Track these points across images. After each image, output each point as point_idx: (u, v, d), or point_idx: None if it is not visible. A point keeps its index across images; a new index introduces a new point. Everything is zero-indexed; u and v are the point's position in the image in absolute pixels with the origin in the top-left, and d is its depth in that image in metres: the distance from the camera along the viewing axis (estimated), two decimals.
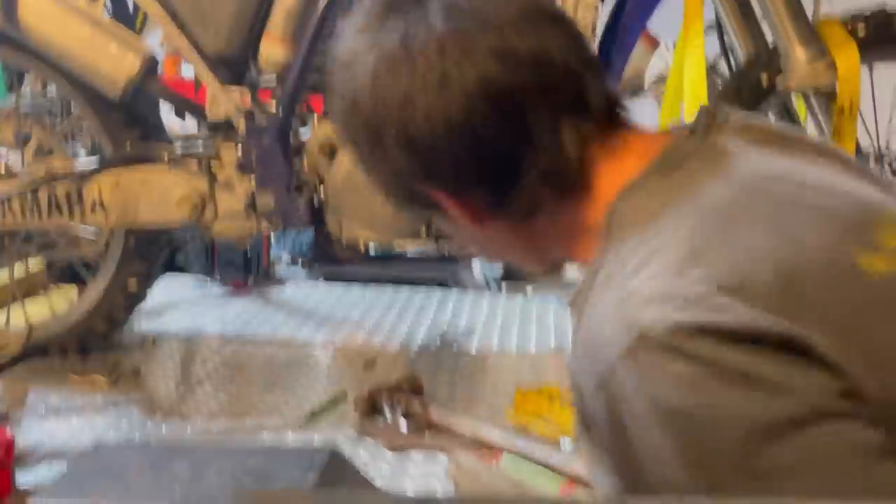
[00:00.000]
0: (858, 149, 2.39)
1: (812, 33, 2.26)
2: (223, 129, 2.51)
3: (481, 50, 0.97)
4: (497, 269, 4.77)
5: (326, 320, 3.29)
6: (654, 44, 3.32)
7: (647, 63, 3.23)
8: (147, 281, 2.87)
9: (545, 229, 1.07)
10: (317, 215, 2.53)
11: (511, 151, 1.00)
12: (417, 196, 1.08)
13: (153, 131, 2.73)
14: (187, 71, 4.12)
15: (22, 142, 2.74)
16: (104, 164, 2.63)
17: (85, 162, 2.78)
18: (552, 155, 1.00)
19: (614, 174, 1.01)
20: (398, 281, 3.84)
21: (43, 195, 2.62)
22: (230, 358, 2.89)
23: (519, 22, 0.99)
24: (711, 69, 2.97)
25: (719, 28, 2.56)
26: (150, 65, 2.48)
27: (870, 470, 0.80)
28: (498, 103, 0.98)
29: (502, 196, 1.03)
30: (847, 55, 2.25)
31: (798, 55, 2.25)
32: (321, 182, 2.49)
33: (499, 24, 0.99)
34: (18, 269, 2.99)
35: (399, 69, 1.00)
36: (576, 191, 1.03)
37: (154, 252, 2.83)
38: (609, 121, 1.04)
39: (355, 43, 1.04)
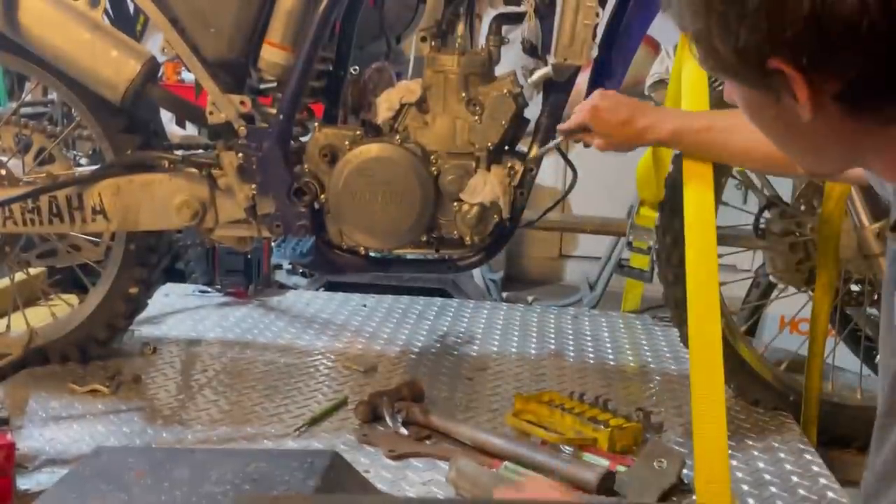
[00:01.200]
0: None
1: None
2: (224, 134, 2.51)
3: None
4: (498, 274, 4.79)
5: (327, 327, 3.29)
6: (656, 49, 3.32)
7: (648, 68, 3.23)
8: (148, 288, 2.87)
9: (886, 138, 0.97)
10: (317, 222, 2.53)
11: None
12: (761, 70, 0.95)
13: (154, 137, 2.73)
14: (188, 76, 4.14)
15: (23, 148, 2.75)
16: (105, 171, 2.63)
17: (86, 168, 2.78)
18: None
19: None
20: (398, 289, 3.85)
21: (44, 202, 2.62)
22: (230, 365, 2.89)
23: None
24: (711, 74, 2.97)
25: None
26: (151, 70, 2.48)
27: None
28: None
29: (881, 95, 0.92)
30: None
31: None
32: (322, 189, 2.49)
33: None
34: (19, 276, 2.99)
35: None
36: None
37: (155, 259, 2.82)
38: None
39: None
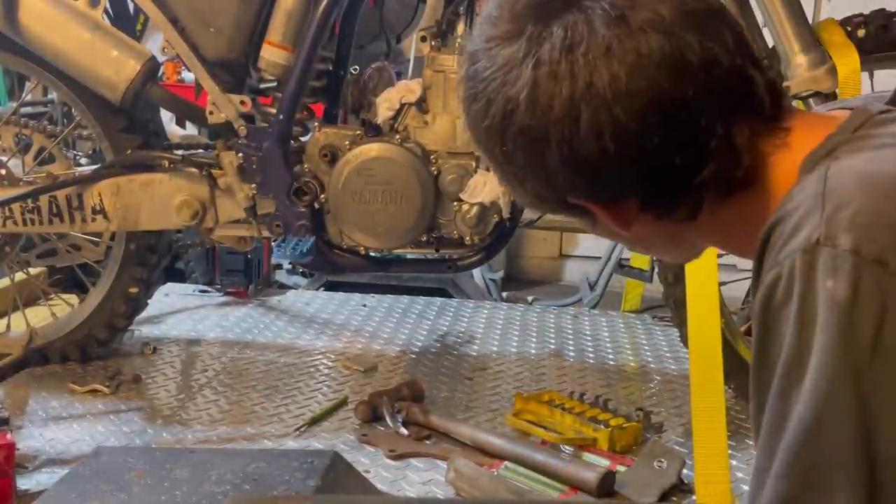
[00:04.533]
0: None
1: (813, 39, 2.26)
2: (224, 134, 2.51)
3: (653, 59, 0.92)
4: (498, 274, 4.79)
5: (327, 327, 3.29)
6: None
7: None
8: (148, 288, 2.86)
9: (700, 226, 1.03)
10: (317, 222, 2.53)
11: (682, 161, 0.96)
12: (566, 205, 1.03)
13: (154, 137, 2.73)
14: (188, 76, 4.13)
15: (23, 148, 2.75)
16: (105, 170, 2.63)
17: (86, 168, 2.78)
18: (724, 159, 0.96)
19: (787, 165, 0.97)
20: (399, 289, 3.85)
21: (44, 202, 2.62)
22: (230, 365, 2.89)
23: (684, 23, 0.94)
24: None
25: None
26: (151, 70, 2.48)
27: None
28: (670, 115, 0.93)
29: (665, 203, 1.00)
30: (847, 59, 2.25)
31: (799, 61, 2.25)
32: (322, 189, 2.49)
33: (665, 27, 0.93)
34: (19, 276, 2.99)
35: (562, 78, 0.93)
36: (745, 188, 0.99)
37: (155, 259, 2.82)
38: (775, 111, 1.00)
39: (504, 48, 0.97)
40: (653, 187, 0.98)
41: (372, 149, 2.43)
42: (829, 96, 2.24)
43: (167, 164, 2.57)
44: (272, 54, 2.43)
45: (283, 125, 2.46)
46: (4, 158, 2.71)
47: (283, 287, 3.90)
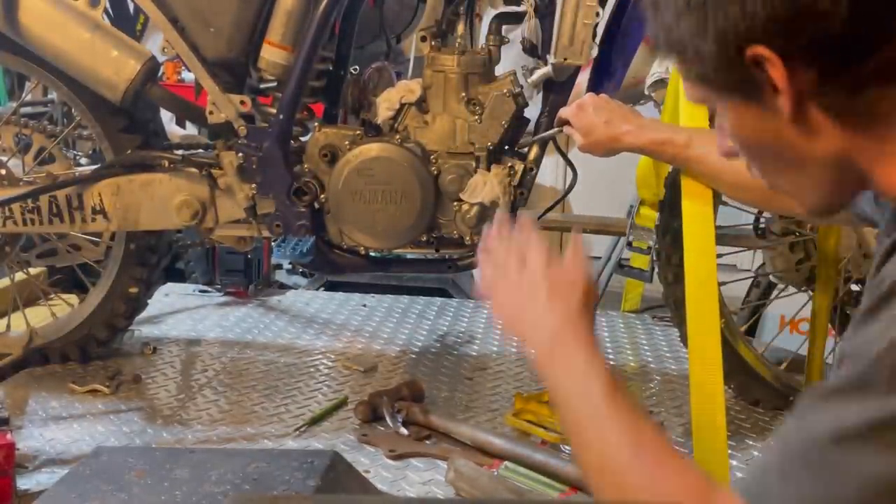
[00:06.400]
0: None
1: None
2: (224, 134, 2.51)
3: None
4: None
5: (327, 327, 3.29)
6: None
7: (648, 68, 3.23)
8: (148, 288, 2.87)
9: (877, 150, 0.99)
10: (317, 222, 2.53)
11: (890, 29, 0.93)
12: (736, 59, 0.98)
13: (154, 137, 2.73)
14: (188, 76, 4.13)
15: (23, 148, 2.75)
16: (105, 170, 2.63)
17: (86, 168, 2.78)
18: None
19: None
20: (399, 289, 3.85)
21: (44, 201, 2.62)
22: (230, 365, 2.89)
23: None
24: None
25: None
26: (151, 70, 2.48)
27: None
28: None
29: (840, 71, 0.96)
30: None
31: None
32: (322, 189, 2.49)
33: None
34: (19, 276, 2.99)
35: None
36: None
37: (155, 259, 2.82)
38: None
39: None
40: (837, 55, 0.95)
41: (372, 149, 2.43)
42: None
43: (167, 164, 2.57)
44: (272, 54, 2.43)
45: (283, 125, 2.46)
46: (4, 158, 2.71)
47: (283, 287, 3.90)
